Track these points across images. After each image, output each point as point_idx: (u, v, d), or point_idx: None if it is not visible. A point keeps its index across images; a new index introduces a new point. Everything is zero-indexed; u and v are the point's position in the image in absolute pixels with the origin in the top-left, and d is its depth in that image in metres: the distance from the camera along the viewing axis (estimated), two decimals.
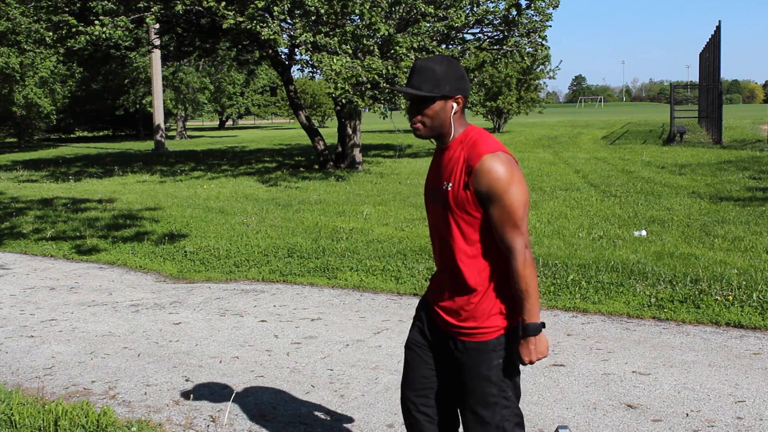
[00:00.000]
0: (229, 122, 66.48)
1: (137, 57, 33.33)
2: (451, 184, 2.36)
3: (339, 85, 13.83)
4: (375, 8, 14.03)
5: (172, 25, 18.00)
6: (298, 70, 21.53)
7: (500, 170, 2.28)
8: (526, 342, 2.35)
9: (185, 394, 4.16)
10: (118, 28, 14.60)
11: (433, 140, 2.47)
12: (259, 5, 13.96)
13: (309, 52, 14.98)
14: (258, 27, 14.07)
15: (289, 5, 14.56)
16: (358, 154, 18.09)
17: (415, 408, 2.62)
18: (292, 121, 60.91)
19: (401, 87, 2.42)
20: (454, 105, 2.38)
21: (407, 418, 2.66)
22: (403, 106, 15.05)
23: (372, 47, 14.52)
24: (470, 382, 2.44)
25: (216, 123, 67.44)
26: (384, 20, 14.69)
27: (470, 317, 2.41)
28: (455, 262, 2.41)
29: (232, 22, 14.03)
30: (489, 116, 32.80)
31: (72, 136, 49.82)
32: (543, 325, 2.35)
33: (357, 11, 14.10)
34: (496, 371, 2.41)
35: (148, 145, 33.80)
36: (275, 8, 14.25)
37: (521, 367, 2.55)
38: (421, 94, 2.33)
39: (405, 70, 14.28)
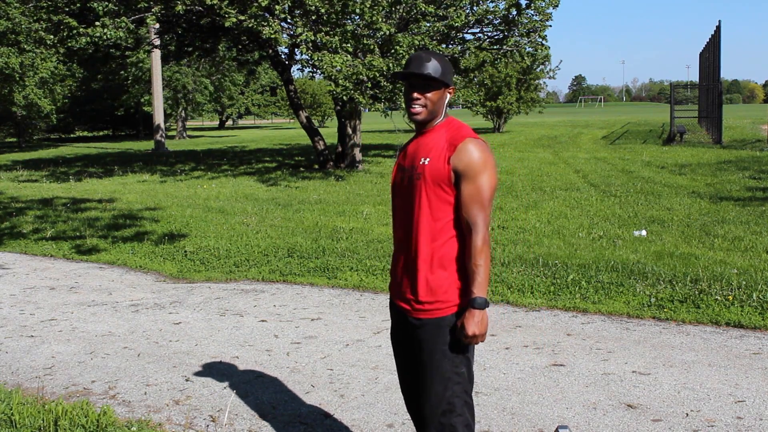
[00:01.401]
0: (229, 122, 66.49)
1: (138, 56, 33.32)
2: (429, 159, 2.54)
3: (340, 82, 13.83)
4: (375, 7, 14.02)
5: (172, 25, 18.00)
6: (298, 70, 21.54)
7: (479, 153, 2.51)
8: (471, 314, 2.46)
9: (185, 394, 4.16)
10: (119, 29, 14.60)
11: (412, 126, 2.67)
12: (263, 3, 13.96)
13: (309, 51, 14.98)
14: (259, 26, 14.07)
15: (289, 4, 14.56)
16: (358, 154, 18.09)
17: (407, 405, 2.81)
18: (292, 121, 60.90)
19: (412, 70, 2.55)
20: (448, 95, 2.62)
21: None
22: (403, 106, 15.07)
23: (372, 46, 14.52)
24: (426, 358, 2.56)
25: (216, 123, 67.44)
26: (384, 20, 14.68)
27: (429, 293, 2.55)
28: (418, 238, 2.55)
29: (233, 20, 14.03)
30: (489, 116, 32.78)
31: (72, 136, 49.84)
32: (487, 303, 2.48)
33: (357, 10, 14.10)
34: (450, 346, 2.54)
35: (148, 145, 33.81)
36: (276, 7, 14.25)
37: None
38: (433, 77, 2.53)
39: None
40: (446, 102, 2.62)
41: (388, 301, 2.80)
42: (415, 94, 2.57)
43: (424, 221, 2.54)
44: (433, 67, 2.54)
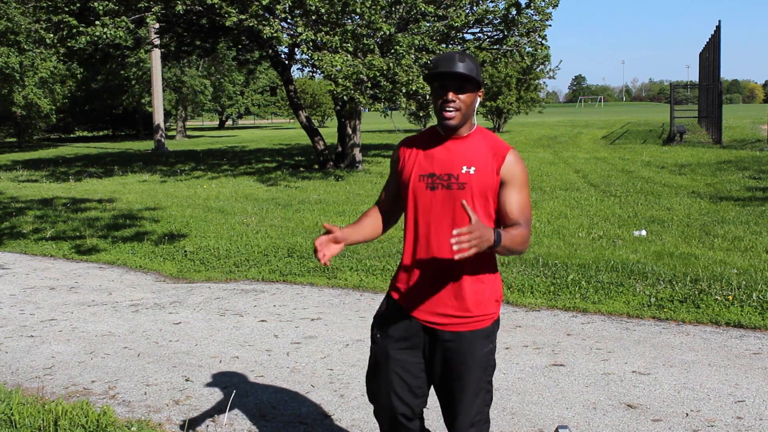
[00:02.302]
0: (229, 122, 66.49)
1: (138, 56, 33.32)
2: (475, 168, 2.42)
3: (340, 82, 13.82)
4: (375, 7, 14.02)
5: (172, 24, 18.00)
6: (298, 69, 21.53)
7: (522, 165, 2.50)
8: (487, 229, 2.23)
9: (185, 394, 4.16)
10: (119, 29, 14.60)
11: (421, 127, 2.55)
12: (264, 2, 13.96)
13: (310, 51, 14.98)
14: (260, 25, 14.07)
15: (290, 4, 14.56)
16: (358, 154, 18.09)
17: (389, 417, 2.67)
18: (292, 121, 60.89)
19: (447, 70, 2.37)
20: (478, 98, 2.48)
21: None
22: (403, 105, 15.05)
23: (372, 46, 14.52)
24: (462, 370, 2.48)
25: (216, 123, 67.45)
26: (384, 19, 14.68)
27: (472, 306, 2.46)
28: (460, 262, 2.40)
29: (234, 19, 14.03)
30: (489, 116, 32.78)
31: (72, 136, 49.83)
32: (498, 243, 2.28)
33: (357, 10, 14.10)
34: (487, 357, 2.51)
35: (148, 145, 33.81)
36: (277, 6, 14.25)
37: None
38: (474, 78, 2.38)
39: (406, 68, 14.27)
40: (476, 105, 2.48)
41: (390, 313, 2.60)
42: (450, 95, 2.39)
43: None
44: (467, 66, 2.37)
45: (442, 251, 2.45)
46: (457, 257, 2.14)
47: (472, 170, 2.42)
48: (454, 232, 2.13)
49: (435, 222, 2.47)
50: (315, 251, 2.43)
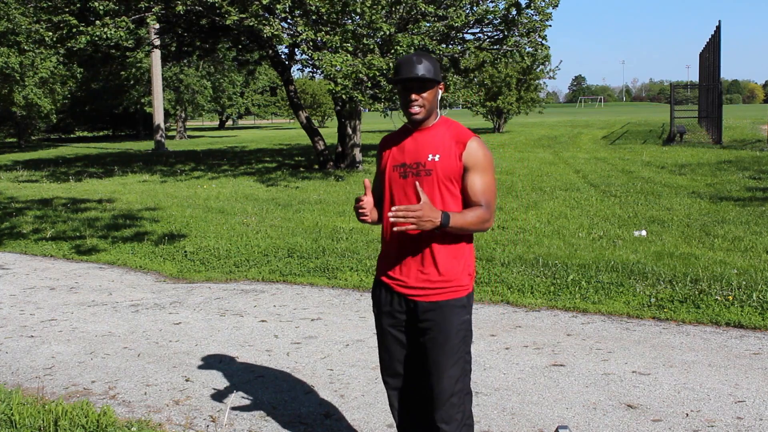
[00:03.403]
0: (229, 122, 66.48)
1: (138, 56, 33.31)
2: (439, 155, 2.68)
3: (339, 81, 13.82)
4: (375, 7, 14.02)
5: (173, 25, 18.00)
6: (298, 70, 21.55)
7: (485, 150, 2.73)
8: (432, 209, 2.52)
9: (185, 394, 4.16)
10: (119, 29, 14.60)
11: (409, 125, 2.79)
12: (264, 2, 13.96)
13: (310, 51, 14.98)
14: (260, 25, 14.07)
15: (290, 4, 14.56)
16: (358, 154, 18.08)
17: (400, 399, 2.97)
18: (292, 121, 60.91)
19: (407, 76, 2.66)
20: (440, 91, 2.76)
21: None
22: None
23: (372, 46, 14.52)
24: (439, 337, 2.70)
25: (216, 123, 67.45)
26: (384, 19, 14.68)
27: (443, 279, 2.70)
28: (429, 237, 2.67)
29: (235, 18, 14.03)
30: (489, 116, 32.78)
31: (72, 136, 49.84)
32: (444, 225, 2.56)
33: (358, 10, 14.10)
34: (464, 326, 2.73)
35: (148, 145, 33.81)
36: (278, 6, 14.25)
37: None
38: (428, 78, 2.65)
39: None
40: (440, 97, 2.76)
41: (379, 292, 2.85)
42: (413, 96, 2.68)
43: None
44: (425, 67, 2.65)
45: (415, 232, 2.65)
46: (395, 229, 2.50)
47: (437, 157, 2.68)
48: (393, 208, 2.48)
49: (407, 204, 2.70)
50: (361, 209, 2.70)
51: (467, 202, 2.70)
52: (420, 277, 2.72)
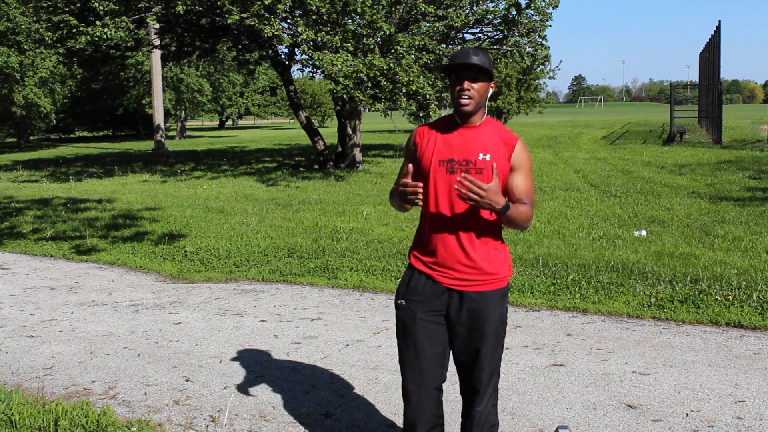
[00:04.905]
0: (229, 122, 66.48)
1: (137, 57, 33.33)
2: (490, 156, 2.72)
3: (340, 81, 13.82)
4: (375, 7, 14.03)
5: (173, 25, 18.00)
6: (298, 70, 21.54)
7: (528, 152, 2.83)
8: (497, 196, 2.60)
9: (185, 394, 4.16)
10: (119, 29, 14.60)
11: (457, 118, 2.77)
12: (266, 2, 13.96)
13: (310, 51, 14.98)
14: (261, 24, 14.08)
15: (290, 3, 14.56)
16: (358, 154, 18.09)
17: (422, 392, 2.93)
18: (292, 121, 60.89)
19: (463, 61, 2.65)
20: (491, 89, 2.77)
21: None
22: (403, 105, 15.05)
23: (372, 46, 14.52)
24: (485, 326, 2.78)
25: (216, 123, 67.44)
26: (384, 19, 14.68)
27: (490, 269, 2.78)
28: (479, 224, 2.75)
29: (236, 18, 14.03)
30: (489, 116, 32.78)
31: (72, 136, 49.83)
32: (506, 210, 2.66)
33: (358, 10, 14.10)
34: (505, 315, 2.85)
35: (148, 145, 33.81)
36: (278, 6, 14.25)
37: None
38: (484, 68, 2.66)
39: (406, 68, 14.28)
40: (488, 96, 2.78)
41: (420, 285, 2.82)
42: (465, 85, 2.67)
43: (484, 213, 2.74)
44: (481, 59, 2.67)
45: (461, 226, 2.75)
46: (457, 191, 2.57)
47: (488, 157, 2.71)
48: (463, 175, 2.56)
49: (455, 201, 2.74)
50: (416, 188, 2.62)
51: (511, 201, 2.78)
52: (466, 269, 2.77)
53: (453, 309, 2.79)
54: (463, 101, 2.68)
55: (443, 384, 2.90)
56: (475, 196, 2.54)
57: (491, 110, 31.90)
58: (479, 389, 2.82)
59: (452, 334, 2.83)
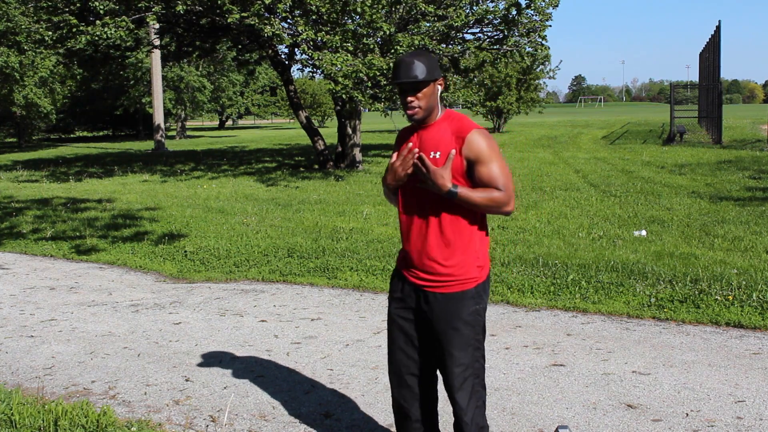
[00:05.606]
0: (229, 122, 66.48)
1: (137, 56, 33.32)
2: (440, 152, 2.74)
3: (340, 80, 13.82)
4: (375, 6, 14.02)
5: (172, 25, 18.00)
6: (298, 70, 21.55)
7: (487, 141, 2.74)
8: (444, 169, 2.68)
9: (185, 394, 4.16)
10: (119, 29, 14.60)
11: (413, 123, 2.84)
12: (267, 1, 13.96)
13: (310, 51, 14.98)
14: (261, 24, 14.07)
15: (290, 3, 14.55)
16: (358, 154, 18.09)
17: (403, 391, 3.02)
18: (292, 121, 60.90)
19: (399, 80, 2.73)
20: (439, 87, 2.80)
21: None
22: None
23: (372, 46, 14.52)
24: (449, 328, 2.79)
25: (216, 123, 67.45)
26: (384, 19, 14.68)
27: (453, 271, 2.78)
28: (445, 225, 2.77)
29: (236, 17, 14.02)
30: (489, 116, 32.78)
31: (72, 136, 49.82)
32: (454, 194, 2.69)
33: (358, 10, 14.10)
34: (473, 316, 2.80)
35: (148, 145, 33.81)
36: (279, 5, 14.25)
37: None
38: (419, 80, 2.71)
39: None
40: (439, 93, 2.80)
41: (397, 283, 2.95)
42: (409, 98, 2.75)
43: (441, 211, 2.76)
44: (419, 69, 2.71)
45: (426, 227, 2.80)
46: (406, 153, 2.72)
47: (437, 155, 2.75)
48: (416, 151, 2.70)
49: (416, 201, 2.83)
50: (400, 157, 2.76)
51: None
52: (430, 269, 2.81)
53: (421, 307, 2.86)
54: (410, 112, 2.77)
55: (434, 377, 2.99)
56: (422, 177, 2.69)
57: (491, 110, 31.89)
58: (452, 391, 2.84)
59: (421, 331, 2.90)
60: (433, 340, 2.86)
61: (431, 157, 2.75)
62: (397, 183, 2.83)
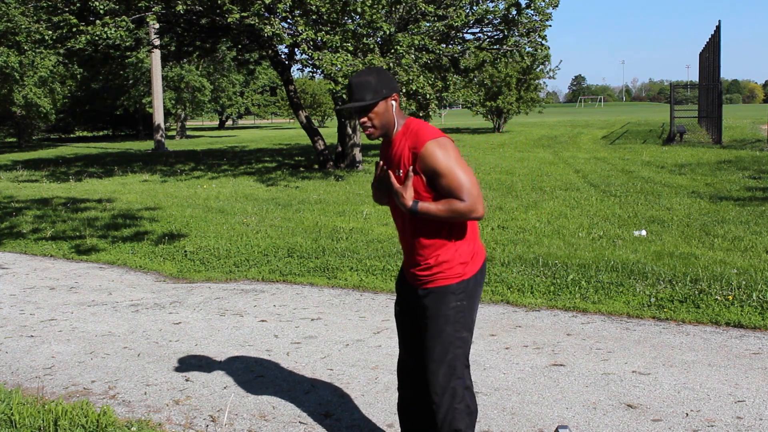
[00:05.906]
0: (229, 122, 66.48)
1: (137, 56, 33.31)
2: (400, 171, 2.81)
3: (339, 80, 13.82)
4: (375, 6, 14.02)
5: (172, 24, 18.01)
6: (298, 70, 21.56)
7: (442, 152, 2.72)
8: (405, 187, 2.74)
9: (185, 394, 4.16)
10: (119, 29, 14.60)
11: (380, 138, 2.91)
12: (267, 1, 13.96)
13: (310, 51, 14.98)
14: (261, 24, 14.08)
15: (290, 3, 14.55)
16: (358, 154, 18.09)
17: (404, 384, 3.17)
18: (292, 121, 60.91)
19: (348, 104, 2.78)
20: (393, 103, 2.81)
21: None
22: (403, 105, 15.09)
23: (372, 46, 14.52)
24: (429, 323, 2.86)
25: (216, 123, 67.46)
26: (384, 19, 14.68)
27: (434, 267, 2.84)
28: (416, 230, 2.86)
29: (236, 17, 14.02)
30: (489, 116, 32.78)
31: (72, 136, 49.83)
32: (412, 210, 2.75)
33: (358, 10, 14.10)
34: (453, 312, 2.83)
35: (148, 145, 33.81)
36: (279, 5, 14.25)
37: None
38: (367, 104, 2.76)
39: (406, 67, 14.28)
40: (395, 107, 2.82)
41: (398, 281, 3.12)
42: (362, 120, 2.80)
43: (416, 223, 2.85)
44: (366, 90, 2.73)
45: (408, 229, 2.89)
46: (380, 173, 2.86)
47: (400, 173, 2.81)
48: (385, 170, 2.82)
49: (396, 209, 2.94)
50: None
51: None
52: (415, 267, 2.92)
53: (410, 302, 2.98)
54: (367, 132, 2.84)
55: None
56: (392, 193, 2.79)
57: (491, 110, 31.89)
58: (426, 385, 2.88)
59: (413, 327, 3.00)
60: (414, 333, 2.97)
61: (396, 174, 2.83)
62: (380, 201, 2.98)
